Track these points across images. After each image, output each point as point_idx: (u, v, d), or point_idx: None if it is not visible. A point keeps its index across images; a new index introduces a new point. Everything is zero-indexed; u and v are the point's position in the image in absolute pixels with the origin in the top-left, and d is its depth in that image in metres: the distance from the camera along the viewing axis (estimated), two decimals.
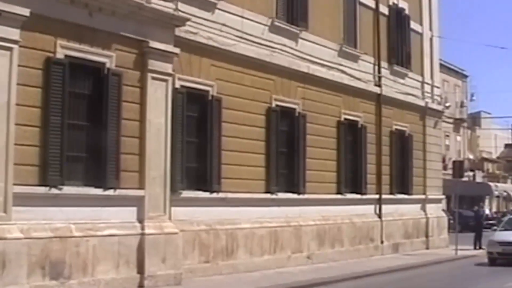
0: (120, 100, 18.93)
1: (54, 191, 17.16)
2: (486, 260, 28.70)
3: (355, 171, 29.62)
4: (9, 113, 16.12)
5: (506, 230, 29.87)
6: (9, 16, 16.04)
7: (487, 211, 60.97)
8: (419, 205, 34.68)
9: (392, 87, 32.58)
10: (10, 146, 16.11)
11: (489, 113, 77.61)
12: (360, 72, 30.38)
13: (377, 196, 30.85)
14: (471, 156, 73.98)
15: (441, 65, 41.84)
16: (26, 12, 16.30)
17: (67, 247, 17.18)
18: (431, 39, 36.77)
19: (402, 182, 33.17)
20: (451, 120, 65.43)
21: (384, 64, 32.18)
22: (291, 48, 26.08)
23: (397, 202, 32.28)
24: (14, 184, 16.16)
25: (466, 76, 74.29)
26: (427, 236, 34.68)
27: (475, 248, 33.93)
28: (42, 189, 16.95)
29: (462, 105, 71.78)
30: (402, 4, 34.02)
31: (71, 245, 17.30)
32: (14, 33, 16.23)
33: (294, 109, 25.99)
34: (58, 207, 17.21)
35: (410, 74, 34.50)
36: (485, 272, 26.13)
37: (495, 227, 32.56)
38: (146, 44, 19.55)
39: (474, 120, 75.74)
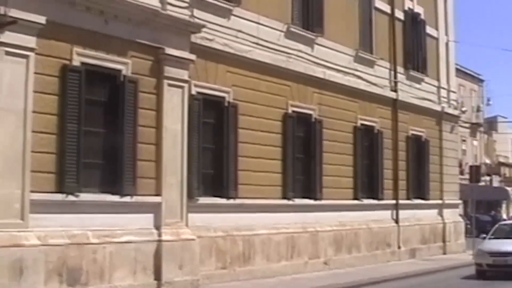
0: (136, 107, 18.90)
1: (71, 198, 17.13)
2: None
3: (371, 176, 29.43)
4: (26, 121, 16.12)
5: (496, 238, 26.42)
6: (25, 24, 16.04)
7: (504, 216, 60.62)
8: (436, 210, 34.41)
9: (408, 92, 32.40)
10: (27, 153, 16.10)
11: (505, 118, 77.11)
12: (376, 77, 30.22)
13: (394, 202, 30.63)
14: (487, 161, 73.52)
15: (457, 69, 41.55)
16: (42, 19, 16.32)
17: (84, 254, 17.14)
18: (447, 44, 36.54)
19: (419, 187, 32.94)
20: (467, 125, 65.00)
21: (400, 69, 32.00)
22: (307, 53, 25.96)
23: (414, 207, 32.06)
24: (31, 191, 16.14)
25: (482, 81, 73.85)
26: (444, 241, 34.42)
27: None
28: (59, 196, 16.92)
29: (478, 110, 71.32)
30: (418, 9, 33.84)
31: (88, 252, 17.25)
32: (30, 41, 16.23)
33: (310, 115, 25.86)
34: (75, 214, 17.15)
35: (426, 79, 34.30)
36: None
37: (483, 235, 29.15)
38: (162, 51, 19.52)
39: (491, 125, 75.23)
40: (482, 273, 25.06)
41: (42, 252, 16.11)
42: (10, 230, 15.68)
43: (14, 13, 15.85)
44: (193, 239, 19.80)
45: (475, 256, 25.97)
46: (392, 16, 31.67)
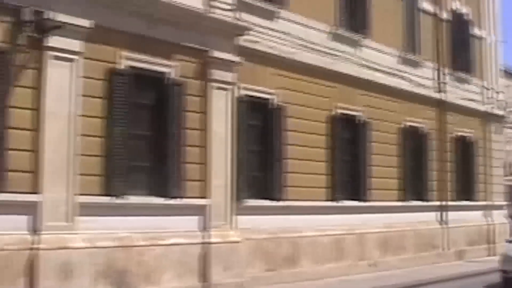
0: (182, 109, 18.61)
1: (118, 200, 16.91)
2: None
3: (418, 178, 28.79)
4: (73, 124, 15.98)
5: None
6: (72, 28, 15.87)
7: None
8: (482, 212, 33.58)
9: (454, 93, 31.67)
10: (74, 157, 15.96)
11: None
12: (422, 78, 29.59)
13: (440, 203, 29.97)
14: None
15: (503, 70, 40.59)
16: (89, 24, 16.14)
17: (131, 256, 16.93)
18: (493, 44, 35.72)
19: (465, 189, 32.16)
20: None
21: (445, 70, 31.29)
22: (353, 55, 25.45)
23: (460, 208, 31.28)
24: (79, 194, 15.99)
25: None
26: (491, 242, 33.60)
27: None
28: (106, 199, 16.71)
29: None
30: (464, 9, 33.11)
31: (135, 254, 17.03)
32: (77, 45, 16.09)
33: (357, 116, 25.36)
34: (122, 217, 16.95)
35: (472, 79, 33.53)
36: None
37: (510, 239, 25.90)
38: (207, 54, 19.19)
39: None
40: (508, 281, 22.24)
41: (90, 254, 15.96)
42: (58, 232, 15.58)
43: (61, 17, 15.70)
44: (239, 241, 19.45)
45: (500, 261, 23.03)
46: (437, 16, 31.03)
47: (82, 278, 15.74)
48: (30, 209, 15.39)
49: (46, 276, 15.20)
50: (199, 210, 18.84)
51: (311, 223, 22.63)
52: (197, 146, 18.96)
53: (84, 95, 16.34)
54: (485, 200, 33.65)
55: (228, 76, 19.70)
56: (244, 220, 20.04)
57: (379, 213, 25.78)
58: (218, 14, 19.46)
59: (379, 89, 26.47)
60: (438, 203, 29.83)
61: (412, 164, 28.41)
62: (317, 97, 23.50)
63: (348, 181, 24.87)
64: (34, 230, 15.40)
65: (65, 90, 15.91)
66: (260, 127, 21.56)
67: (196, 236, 18.64)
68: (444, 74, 31.22)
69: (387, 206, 26.38)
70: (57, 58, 15.79)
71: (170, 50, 18.41)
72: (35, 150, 15.51)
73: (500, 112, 35.94)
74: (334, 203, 23.83)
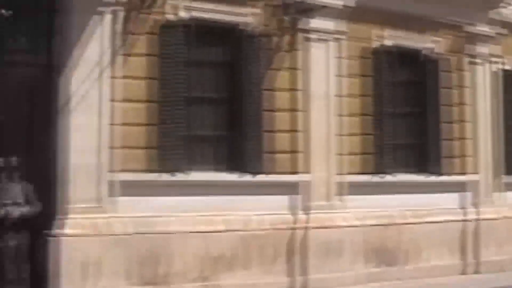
0: (440, 86, 17.66)
1: (383, 179, 16.37)
2: None
3: None
4: (337, 104, 15.67)
5: None
6: (333, 8, 15.46)
7: None
8: None
9: None
10: (338, 136, 15.67)
11: None
12: None
13: None
14: None
15: None
16: (349, 3, 15.68)
17: (394, 234, 16.41)
18: None
19: None
20: None
21: None
22: None
23: None
24: (345, 173, 15.69)
25: None
26: None
27: None
28: (371, 177, 16.25)
29: None
30: None
31: (398, 232, 16.49)
32: (338, 25, 15.71)
33: None
34: (386, 195, 16.35)
35: None
36: None
37: None
38: (463, 29, 18.14)
39: None
40: None
41: (357, 232, 15.62)
42: (326, 211, 15.31)
43: None
44: (508, 218, 18.30)
45: None
46: None
47: (349, 256, 15.48)
48: (297, 189, 15.21)
49: (315, 254, 15.03)
50: (462, 187, 17.90)
51: None
52: (456, 122, 18.03)
53: (344, 75, 15.96)
54: None
55: (485, 50, 18.56)
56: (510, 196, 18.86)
57: None
58: None
59: None
60: None
61: None
62: None
63: None
64: (303, 209, 15.21)
65: (327, 71, 15.59)
66: None
67: (461, 213, 17.76)
68: None
69: None
70: (318, 39, 15.47)
71: (426, 27, 17.51)
72: (300, 130, 15.26)
73: None
74: None
